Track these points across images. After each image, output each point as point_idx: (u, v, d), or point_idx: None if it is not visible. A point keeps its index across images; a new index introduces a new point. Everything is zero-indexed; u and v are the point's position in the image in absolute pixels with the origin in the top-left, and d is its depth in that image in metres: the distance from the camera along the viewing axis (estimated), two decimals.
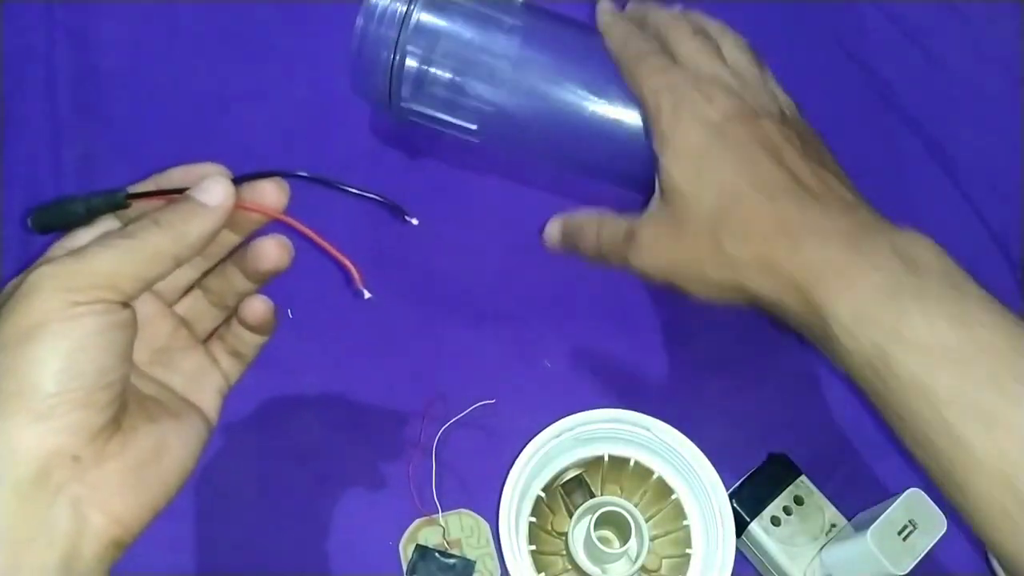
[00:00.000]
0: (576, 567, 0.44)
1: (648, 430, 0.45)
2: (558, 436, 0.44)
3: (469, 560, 0.44)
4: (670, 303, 0.46)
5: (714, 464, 0.47)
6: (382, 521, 0.45)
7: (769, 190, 0.37)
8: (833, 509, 0.45)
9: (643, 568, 0.43)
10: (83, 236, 0.33)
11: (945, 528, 0.42)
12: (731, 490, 0.45)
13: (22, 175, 0.52)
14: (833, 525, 0.45)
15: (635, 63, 0.41)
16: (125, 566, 0.44)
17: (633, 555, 0.43)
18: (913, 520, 0.42)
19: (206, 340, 0.37)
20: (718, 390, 0.49)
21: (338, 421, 0.48)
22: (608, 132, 0.44)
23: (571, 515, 0.44)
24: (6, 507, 0.27)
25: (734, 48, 0.43)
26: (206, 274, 0.36)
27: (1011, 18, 0.59)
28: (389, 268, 0.51)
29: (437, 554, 0.44)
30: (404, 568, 0.44)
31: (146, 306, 0.34)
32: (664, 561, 0.44)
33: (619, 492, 0.45)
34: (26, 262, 0.50)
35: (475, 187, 0.54)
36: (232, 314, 0.37)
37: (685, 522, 0.45)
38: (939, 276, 0.34)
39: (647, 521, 0.44)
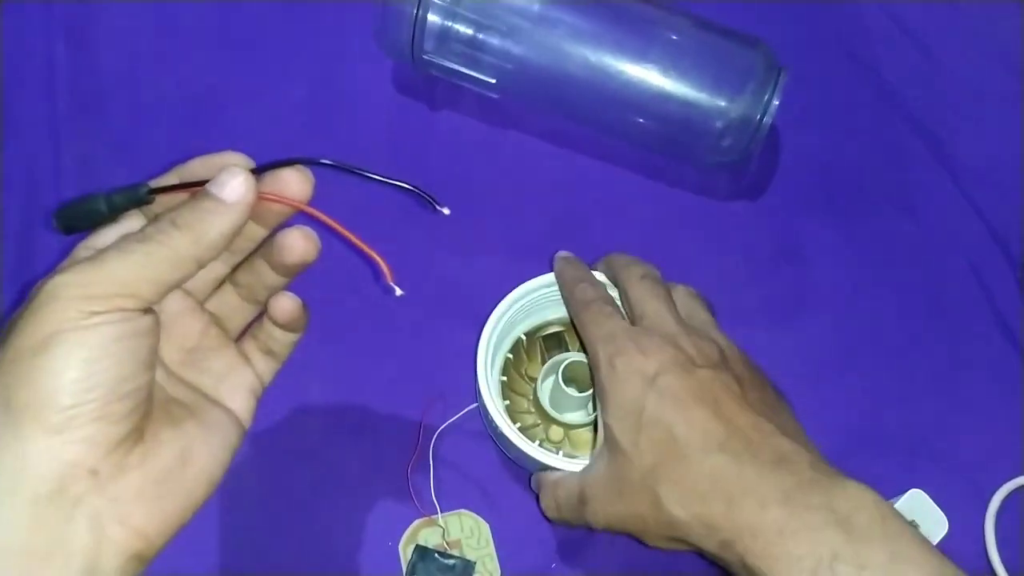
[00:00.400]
0: (539, 409, 0.46)
1: None
2: (548, 287, 0.46)
3: (469, 561, 0.44)
4: None
5: None
6: (381, 522, 0.45)
7: (704, 445, 0.36)
8: None
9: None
10: (106, 236, 0.32)
11: (947, 529, 0.42)
12: None
13: (22, 175, 0.52)
14: None
15: (580, 309, 0.42)
16: None
17: (591, 407, 0.45)
18: (915, 521, 0.42)
19: (238, 338, 0.36)
20: None
21: (338, 421, 0.48)
22: (631, 93, 0.48)
23: (544, 363, 0.47)
24: (22, 523, 0.27)
25: (684, 294, 0.44)
26: (236, 268, 0.36)
27: (1011, 18, 0.59)
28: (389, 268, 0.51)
29: (437, 555, 0.44)
30: (404, 569, 0.44)
31: (176, 304, 0.34)
32: None
33: None
34: (26, 261, 0.50)
35: (475, 189, 0.54)
36: (264, 310, 0.36)
37: None
38: (879, 540, 0.33)
39: None
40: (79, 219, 0.32)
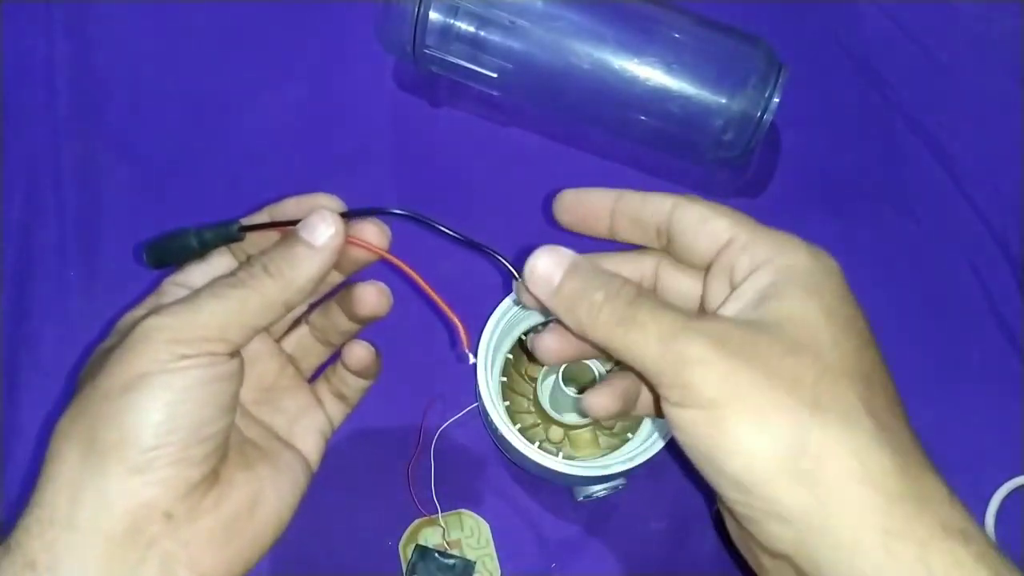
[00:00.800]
0: (539, 409, 0.46)
1: None
2: None
3: (469, 561, 0.44)
4: None
5: None
6: (381, 521, 0.45)
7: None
8: None
9: (599, 424, 0.46)
10: (196, 274, 0.32)
11: None
12: None
13: (22, 175, 0.52)
14: None
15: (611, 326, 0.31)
16: None
17: None
18: None
19: (311, 380, 0.37)
20: None
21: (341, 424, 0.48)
22: (632, 90, 0.48)
23: (544, 364, 0.46)
24: (97, 560, 0.27)
25: None
26: (312, 308, 0.37)
27: (1011, 18, 0.59)
28: (388, 268, 0.51)
29: (437, 554, 0.44)
30: (404, 568, 0.44)
31: (256, 343, 0.34)
32: (619, 423, 0.47)
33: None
34: (26, 261, 0.50)
35: (476, 187, 0.54)
36: (337, 353, 0.37)
37: None
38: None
39: None
40: (169, 254, 0.33)
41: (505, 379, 0.46)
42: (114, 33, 0.56)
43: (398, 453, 0.46)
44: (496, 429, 0.42)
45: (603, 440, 0.47)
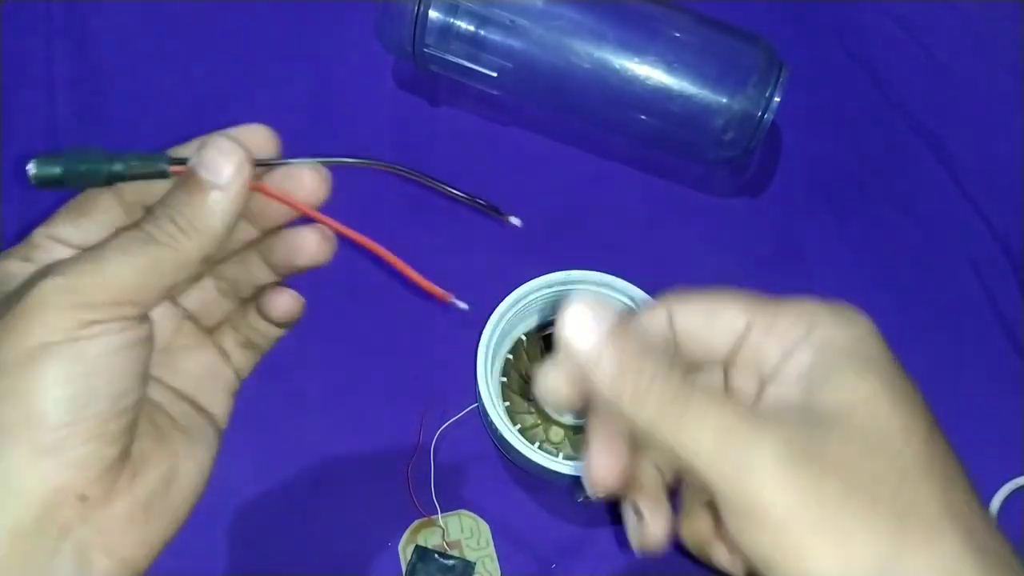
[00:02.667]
0: (539, 410, 0.46)
1: (632, 300, 0.46)
2: (550, 287, 0.46)
3: (469, 562, 0.44)
4: None
5: None
6: (381, 522, 0.45)
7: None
8: None
9: None
10: (72, 229, 0.28)
11: None
12: None
13: (22, 175, 0.52)
14: None
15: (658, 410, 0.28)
16: None
17: None
18: None
19: (214, 329, 0.33)
20: None
21: (338, 421, 0.48)
22: (632, 90, 0.48)
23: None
24: (3, 554, 0.24)
25: None
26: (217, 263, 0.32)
27: (1012, 18, 0.59)
28: (388, 268, 0.51)
29: (436, 555, 0.44)
30: (403, 569, 0.44)
31: None
32: None
33: None
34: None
35: (476, 186, 0.54)
36: (247, 301, 0.33)
37: None
38: None
39: None
40: (70, 175, 0.28)
41: (505, 379, 0.46)
42: (114, 33, 0.56)
43: (398, 453, 0.46)
44: (496, 429, 0.42)
45: None
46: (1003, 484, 0.47)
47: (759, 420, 0.24)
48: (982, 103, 0.58)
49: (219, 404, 0.32)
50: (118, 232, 0.27)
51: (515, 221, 0.31)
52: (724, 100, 0.48)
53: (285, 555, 0.45)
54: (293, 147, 0.54)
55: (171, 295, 0.27)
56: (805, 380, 0.25)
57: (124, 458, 0.26)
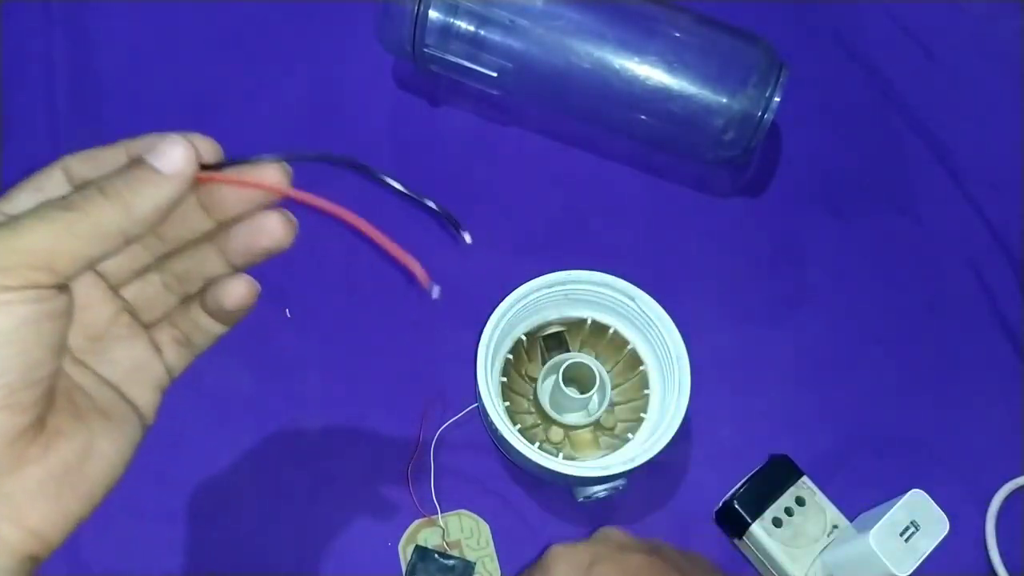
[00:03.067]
0: (540, 410, 0.46)
1: (632, 300, 0.46)
2: (549, 287, 0.46)
3: (469, 561, 0.44)
4: (670, 305, 0.46)
5: (715, 465, 0.47)
6: (381, 522, 0.45)
7: None
8: (835, 510, 0.45)
9: (599, 425, 0.46)
10: (20, 200, 0.28)
11: (947, 529, 0.42)
12: (733, 491, 0.45)
13: (22, 175, 0.52)
14: (835, 526, 0.44)
15: None
16: (124, 568, 0.44)
17: (591, 407, 0.46)
18: (915, 521, 0.42)
19: (152, 325, 0.32)
20: (720, 391, 0.49)
21: (338, 421, 0.48)
22: (632, 89, 0.48)
23: (544, 364, 0.47)
24: None
25: None
26: (165, 257, 0.32)
27: (1012, 17, 0.59)
28: (388, 269, 0.51)
29: (436, 555, 0.44)
30: (404, 569, 0.44)
31: (85, 287, 0.30)
32: (619, 424, 0.47)
33: (594, 357, 0.47)
34: None
35: (476, 186, 0.54)
36: (192, 298, 0.32)
37: (646, 391, 0.47)
38: None
39: (613, 388, 0.47)
40: None
41: (505, 379, 0.46)
42: (114, 33, 0.56)
43: (398, 453, 0.46)
44: (496, 429, 0.42)
45: (603, 440, 0.47)
46: (1003, 484, 0.47)
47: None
48: (982, 102, 0.58)
49: (145, 397, 0.31)
50: (45, 201, 0.27)
51: (467, 238, 0.31)
52: (724, 100, 0.48)
53: (286, 555, 0.45)
54: (293, 146, 0.54)
55: (91, 267, 0.27)
56: None
57: (37, 429, 0.26)
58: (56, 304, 0.25)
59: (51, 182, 0.29)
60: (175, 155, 0.27)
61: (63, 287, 0.26)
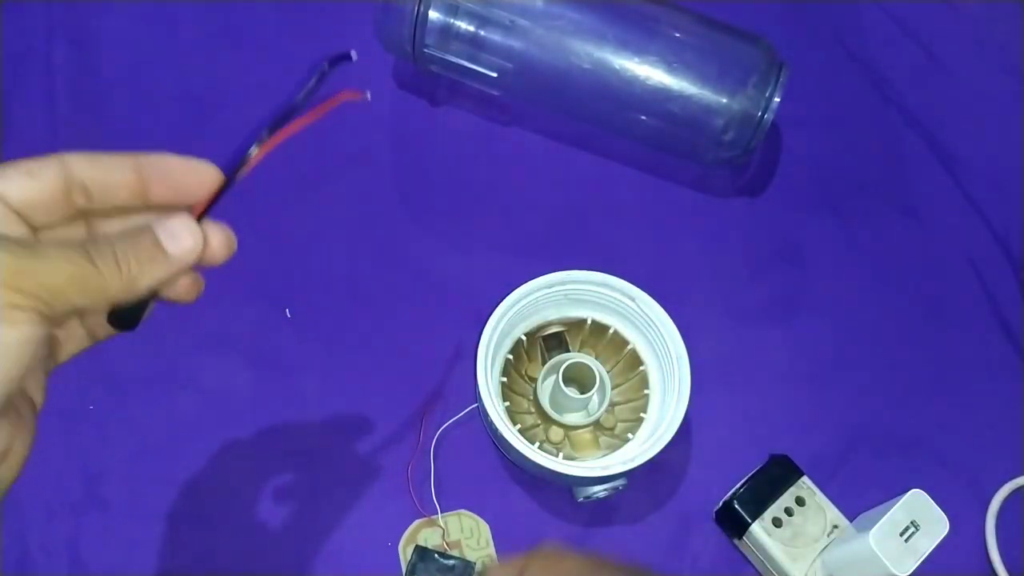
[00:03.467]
0: (539, 410, 0.46)
1: (633, 300, 0.46)
2: (549, 287, 0.46)
3: (469, 561, 0.44)
4: (670, 305, 0.46)
5: (715, 465, 0.47)
6: (381, 522, 0.45)
7: None
8: (835, 510, 0.45)
9: (599, 425, 0.46)
10: (10, 175, 0.29)
11: (947, 529, 0.42)
12: (733, 491, 0.45)
13: None
14: (835, 526, 0.44)
15: None
16: (124, 568, 0.44)
17: (591, 407, 0.46)
18: (915, 521, 0.42)
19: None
20: (720, 391, 0.49)
21: (338, 421, 0.48)
22: (633, 89, 0.48)
23: (544, 364, 0.47)
24: None
25: None
26: None
27: (1011, 18, 0.59)
28: (388, 269, 0.51)
29: (436, 555, 0.44)
30: (403, 569, 0.44)
31: None
32: (619, 424, 0.47)
33: (594, 357, 0.47)
34: None
35: (476, 187, 0.54)
36: None
37: (646, 391, 0.47)
38: None
39: (613, 388, 0.47)
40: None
41: (505, 379, 0.46)
42: (114, 33, 0.56)
43: (398, 454, 0.46)
44: (496, 429, 0.42)
45: (603, 440, 0.47)
46: (1003, 484, 0.48)
47: None
48: (982, 103, 0.58)
49: (38, 386, 0.31)
50: (63, 241, 0.29)
51: (353, 55, 0.32)
52: (724, 100, 0.48)
53: (286, 555, 0.45)
54: (293, 146, 0.54)
55: (73, 315, 0.28)
56: None
57: None
58: (43, 332, 0.27)
59: (45, 172, 0.30)
60: (186, 243, 0.29)
61: (51, 321, 0.27)
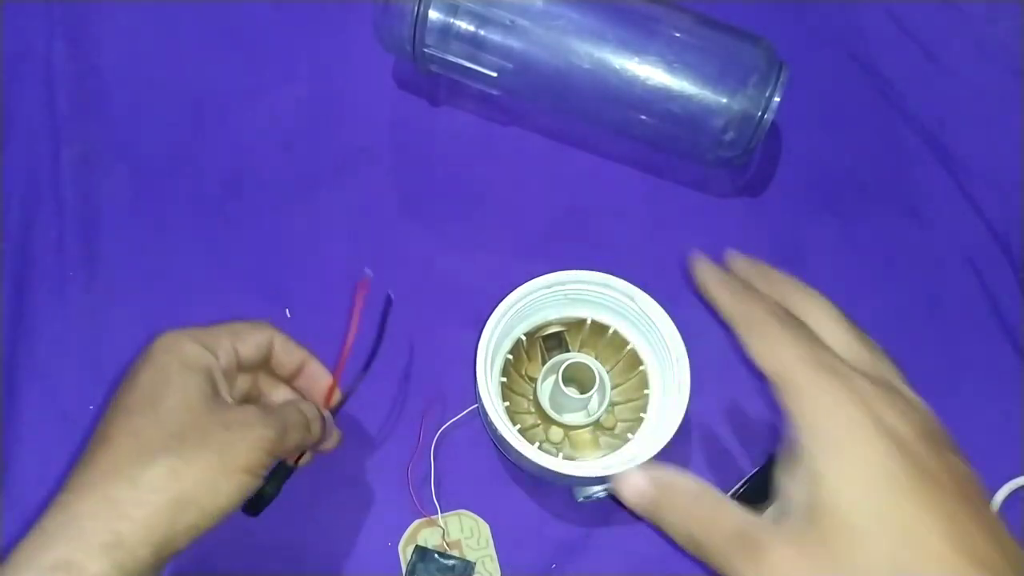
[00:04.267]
0: (539, 410, 0.46)
1: (632, 300, 0.46)
2: (549, 287, 0.46)
3: (469, 562, 0.44)
4: (671, 304, 0.46)
5: (715, 465, 0.47)
6: (381, 522, 0.45)
7: (969, 557, 0.27)
8: None
9: (599, 425, 0.46)
10: (243, 347, 0.41)
11: None
12: (733, 491, 0.45)
13: (22, 175, 0.52)
14: None
15: (751, 327, 0.35)
16: None
17: (591, 407, 0.46)
18: None
19: None
20: (720, 391, 0.49)
21: (338, 422, 0.48)
22: (632, 89, 0.48)
23: (544, 364, 0.47)
24: None
25: (855, 341, 0.36)
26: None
27: (1011, 17, 0.59)
28: (388, 268, 0.51)
29: (436, 555, 0.44)
30: (403, 569, 0.44)
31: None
32: (619, 424, 0.47)
33: (594, 357, 0.47)
34: (25, 258, 0.50)
35: (476, 187, 0.54)
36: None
37: (646, 391, 0.47)
38: None
39: (613, 388, 0.47)
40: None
41: (505, 379, 0.46)
42: (114, 33, 0.56)
43: (398, 454, 0.46)
44: (496, 429, 0.42)
45: (603, 440, 0.47)
46: (1003, 484, 0.47)
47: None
48: (982, 102, 0.58)
49: None
50: (262, 402, 0.43)
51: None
52: (724, 100, 0.48)
53: (285, 556, 0.45)
54: (294, 146, 0.55)
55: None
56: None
57: None
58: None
59: (253, 339, 0.41)
60: (331, 445, 0.44)
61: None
